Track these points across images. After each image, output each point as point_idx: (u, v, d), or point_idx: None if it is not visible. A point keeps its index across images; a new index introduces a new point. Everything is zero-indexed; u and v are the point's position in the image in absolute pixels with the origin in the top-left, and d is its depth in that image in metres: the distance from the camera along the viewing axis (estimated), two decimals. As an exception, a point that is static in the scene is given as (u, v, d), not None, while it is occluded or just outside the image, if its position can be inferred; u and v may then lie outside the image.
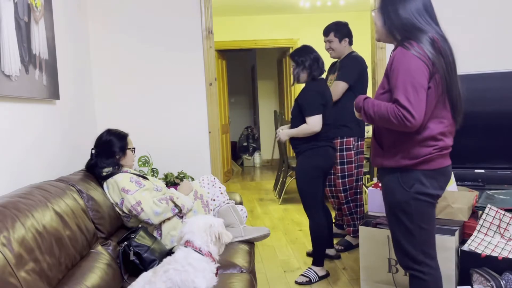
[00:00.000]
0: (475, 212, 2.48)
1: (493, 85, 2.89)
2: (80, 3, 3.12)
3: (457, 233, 2.33)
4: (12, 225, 1.44)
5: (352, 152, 3.42)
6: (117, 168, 2.43)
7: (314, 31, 5.94)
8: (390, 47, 3.29)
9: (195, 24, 3.37)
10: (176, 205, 2.38)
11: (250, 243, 2.56)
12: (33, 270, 1.43)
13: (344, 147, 3.39)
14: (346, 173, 3.46)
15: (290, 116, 3.07)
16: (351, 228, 3.58)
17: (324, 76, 3.03)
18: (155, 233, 2.38)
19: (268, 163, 8.61)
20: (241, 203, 3.02)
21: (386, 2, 1.81)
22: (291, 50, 6.77)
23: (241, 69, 9.16)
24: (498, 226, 2.25)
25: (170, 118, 3.43)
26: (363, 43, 4.78)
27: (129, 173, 2.41)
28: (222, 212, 2.63)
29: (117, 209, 2.36)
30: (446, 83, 1.71)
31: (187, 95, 3.42)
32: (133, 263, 2.08)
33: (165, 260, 1.85)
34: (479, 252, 2.21)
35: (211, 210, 2.59)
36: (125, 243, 2.12)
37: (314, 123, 2.81)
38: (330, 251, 3.34)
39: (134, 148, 2.58)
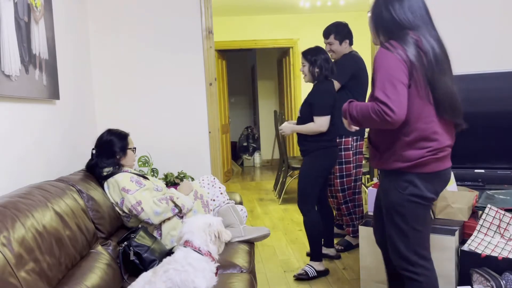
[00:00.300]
0: (475, 212, 2.48)
1: (493, 85, 2.89)
2: (80, 3, 3.12)
3: (457, 233, 2.33)
4: (12, 225, 1.44)
5: (351, 152, 3.43)
6: (118, 168, 2.43)
7: (314, 31, 5.94)
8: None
9: (195, 24, 3.37)
10: (176, 205, 2.38)
11: (250, 243, 2.56)
12: (33, 270, 1.43)
13: (343, 147, 3.39)
14: (344, 173, 3.47)
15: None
16: (351, 228, 3.58)
17: None
18: (155, 233, 2.38)
19: (268, 163, 8.61)
20: (241, 203, 3.02)
21: (374, 5, 1.85)
22: (291, 50, 6.78)
23: (241, 69, 9.16)
24: (498, 226, 2.25)
25: (170, 118, 3.43)
26: (363, 43, 4.79)
27: (130, 173, 2.41)
28: (222, 212, 2.63)
29: (117, 209, 2.36)
30: (429, 82, 1.71)
31: (187, 95, 3.42)
32: (133, 263, 2.08)
33: (164, 260, 1.85)
34: (479, 252, 2.21)
35: (211, 210, 2.60)
36: (125, 243, 2.12)
37: (321, 123, 2.88)
38: (330, 251, 3.35)
39: (135, 148, 2.58)
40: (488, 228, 2.28)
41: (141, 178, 2.42)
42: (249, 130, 8.79)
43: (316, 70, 2.97)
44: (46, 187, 1.88)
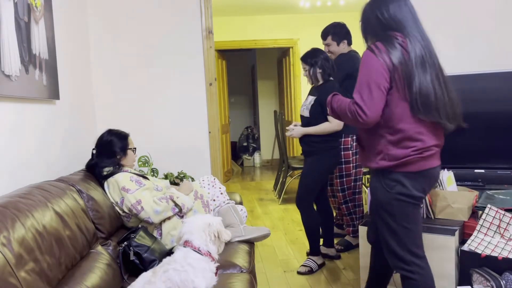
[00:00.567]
0: (475, 212, 2.48)
1: (493, 85, 2.89)
2: (80, 3, 3.12)
3: (457, 233, 2.33)
4: (12, 225, 1.44)
5: (350, 152, 3.43)
6: (118, 168, 2.43)
7: (314, 31, 5.92)
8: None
9: (195, 24, 3.37)
10: (176, 205, 2.38)
11: (250, 243, 2.56)
12: (33, 270, 1.43)
13: (342, 146, 3.40)
14: (344, 173, 3.47)
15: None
16: (351, 228, 3.58)
17: None
18: (155, 233, 2.38)
19: (268, 163, 8.60)
20: (241, 203, 3.02)
21: (362, 11, 1.93)
22: (291, 50, 6.78)
23: (241, 69, 9.16)
24: (498, 226, 2.25)
25: (170, 118, 3.42)
26: (363, 43, 4.78)
27: (130, 172, 2.41)
28: (222, 212, 2.63)
29: (117, 208, 2.36)
30: (413, 84, 1.73)
31: (187, 95, 3.42)
32: (133, 263, 2.08)
33: (164, 260, 1.85)
34: (479, 252, 2.21)
35: (211, 210, 2.60)
36: (125, 243, 2.12)
37: (338, 122, 2.93)
38: (330, 251, 3.35)
39: (135, 148, 2.59)
40: (488, 228, 2.28)
41: (141, 178, 2.42)
42: (249, 130, 8.79)
43: (319, 71, 3.01)
44: (46, 187, 1.88)
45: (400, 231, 1.86)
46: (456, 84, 2.99)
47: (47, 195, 1.80)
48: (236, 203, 2.90)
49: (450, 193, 2.55)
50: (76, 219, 1.88)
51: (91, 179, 2.33)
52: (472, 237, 2.30)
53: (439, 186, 2.68)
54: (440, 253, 2.30)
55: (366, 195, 4.09)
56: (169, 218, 2.39)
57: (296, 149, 6.95)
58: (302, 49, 6.55)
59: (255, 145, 8.70)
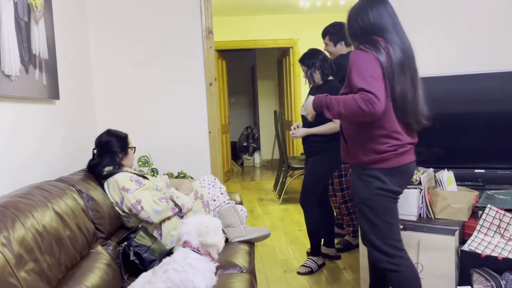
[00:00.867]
0: (475, 212, 2.48)
1: (493, 85, 2.89)
2: (80, 3, 3.12)
3: (457, 233, 2.33)
4: (12, 225, 1.44)
5: None
6: (118, 167, 2.43)
7: (314, 31, 5.92)
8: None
9: (195, 24, 3.37)
10: (176, 204, 2.38)
11: (250, 243, 2.56)
12: (33, 270, 1.43)
13: None
14: (343, 173, 3.47)
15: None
16: (351, 228, 3.58)
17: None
18: (155, 233, 2.38)
19: (268, 163, 8.60)
20: (241, 203, 3.02)
21: (347, 18, 2.02)
22: (291, 50, 6.77)
23: (241, 69, 9.15)
24: (498, 226, 2.25)
25: (170, 118, 3.42)
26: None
27: (129, 172, 2.41)
28: (222, 212, 2.63)
29: (117, 208, 2.36)
30: (394, 88, 1.83)
31: (187, 95, 3.42)
32: (133, 263, 2.08)
33: (164, 260, 1.85)
34: (479, 252, 2.21)
35: (211, 210, 2.59)
36: (125, 243, 2.12)
37: None
38: (330, 251, 3.35)
39: (134, 148, 2.59)
40: (488, 228, 2.28)
41: (141, 177, 2.42)
42: (249, 130, 8.79)
43: (317, 72, 3.01)
44: (46, 187, 1.88)
45: (381, 225, 1.94)
46: (456, 84, 3.01)
47: (47, 195, 1.80)
48: (236, 203, 2.90)
49: (450, 193, 2.55)
50: (76, 219, 1.88)
51: (91, 179, 2.33)
52: (472, 237, 2.30)
53: (439, 186, 2.68)
54: (440, 253, 2.30)
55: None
56: (169, 218, 2.39)
57: (296, 149, 6.95)
58: (302, 49, 6.55)
59: (255, 145, 8.70)
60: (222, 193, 2.72)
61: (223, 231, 1.98)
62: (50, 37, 2.40)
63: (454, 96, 3.00)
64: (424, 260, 2.36)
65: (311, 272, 3.10)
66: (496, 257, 2.14)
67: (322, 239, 3.31)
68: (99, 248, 2.03)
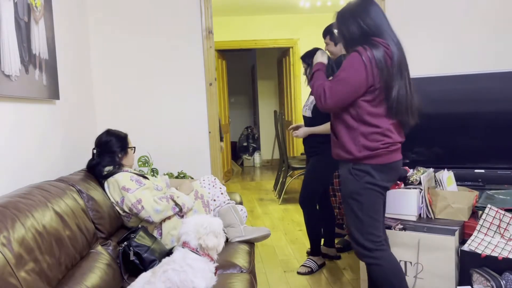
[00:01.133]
0: (475, 212, 2.48)
1: (493, 85, 2.89)
2: (80, 3, 3.12)
3: (457, 233, 2.33)
4: (12, 225, 1.44)
5: None
6: (118, 167, 2.43)
7: (314, 31, 5.93)
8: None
9: (195, 24, 3.37)
10: (176, 204, 2.38)
11: (250, 243, 2.56)
12: (33, 270, 1.43)
13: None
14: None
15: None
16: (351, 228, 3.58)
17: None
18: (155, 233, 2.38)
19: (268, 163, 8.60)
20: (241, 203, 3.02)
21: (340, 21, 2.03)
22: (291, 50, 6.77)
23: (241, 69, 9.15)
24: (498, 226, 2.25)
25: (170, 118, 3.42)
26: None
27: (130, 172, 2.41)
28: (222, 212, 2.63)
29: (117, 208, 2.36)
30: (388, 85, 1.90)
31: (187, 95, 3.42)
32: (133, 263, 2.08)
33: (164, 260, 1.85)
34: (479, 252, 2.21)
35: (211, 210, 2.60)
36: (125, 243, 2.12)
37: None
38: (330, 251, 3.35)
39: (134, 147, 2.59)
40: (488, 228, 2.28)
41: (141, 177, 2.42)
42: (249, 130, 8.79)
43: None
44: (46, 187, 1.88)
45: (366, 220, 2.00)
46: (456, 84, 3.01)
47: (47, 195, 1.80)
48: (236, 203, 2.90)
49: (450, 193, 2.55)
50: (76, 219, 1.88)
51: (91, 179, 2.33)
52: (472, 237, 2.30)
53: (439, 186, 2.68)
54: (440, 253, 2.30)
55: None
56: (169, 218, 2.39)
57: (296, 149, 6.94)
58: (302, 49, 6.55)
59: (255, 145, 8.70)
60: (222, 193, 2.72)
61: (223, 231, 1.98)
62: (50, 37, 2.40)
63: (454, 96, 3.00)
64: (424, 260, 2.36)
65: (311, 272, 3.11)
66: (496, 257, 2.14)
67: (322, 239, 3.31)
68: (99, 248, 2.03)
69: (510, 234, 2.22)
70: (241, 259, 2.26)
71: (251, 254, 2.41)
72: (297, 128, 3.15)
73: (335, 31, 2.11)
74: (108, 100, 3.35)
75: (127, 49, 3.35)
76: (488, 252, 2.19)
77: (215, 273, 1.86)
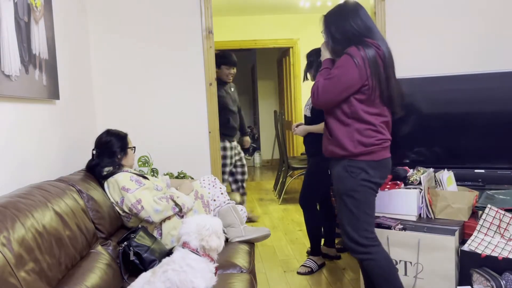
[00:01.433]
0: (475, 212, 2.48)
1: (493, 85, 2.89)
2: (80, 3, 3.12)
3: (457, 233, 2.33)
4: (12, 225, 1.44)
5: None
6: (118, 167, 2.43)
7: (314, 31, 5.91)
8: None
9: (195, 24, 3.37)
10: (176, 204, 2.38)
11: (250, 243, 2.56)
12: (33, 270, 1.43)
13: None
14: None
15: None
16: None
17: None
18: (155, 233, 2.38)
19: (268, 163, 8.60)
20: (241, 203, 3.02)
21: (330, 22, 2.09)
22: (291, 50, 6.77)
23: (241, 69, 9.13)
24: (498, 226, 2.25)
25: (170, 118, 3.42)
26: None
27: (129, 172, 2.41)
28: (222, 212, 2.63)
29: (117, 208, 2.36)
30: (381, 84, 1.97)
31: (187, 95, 3.42)
32: (133, 263, 2.08)
33: (163, 260, 1.85)
34: (479, 252, 2.21)
35: (211, 210, 2.60)
36: (125, 243, 2.12)
37: None
38: (330, 251, 3.35)
39: (134, 147, 2.59)
40: (488, 228, 2.28)
41: (141, 177, 2.42)
42: (249, 130, 8.79)
43: (312, 72, 3.02)
44: (46, 187, 1.87)
45: (361, 217, 2.04)
46: (457, 84, 3.01)
47: (47, 195, 1.80)
48: (236, 203, 2.90)
49: (450, 193, 2.55)
50: (76, 219, 1.88)
51: (91, 179, 2.33)
52: (472, 237, 2.30)
53: (439, 186, 2.68)
54: (440, 253, 2.30)
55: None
56: (169, 218, 2.39)
57: (296, 149, 6.95)
58: (302, 49, 6.55)
59: (255, 145, 8.69)
60: (222, 193, 2.72)
61: (223, 231, 1.98)
62: (50, 37, 2.40)
63: (454, 96, 3.00)
64: (424, 260, 2.36)
65: (311, 272, 3.11)
66: (496, 257, 2.14)
67: (322, 239, 3.32)
68: (99, 248, 2.03)
69: (510, 234, 2.22)
70: (241, 259, 2.26)
71: (251, 254, 2.41)
72: (298, 126, 3.16)
73: (322, 33, 2.13)
74: (108, 100, 3.35)
75: (127, 49, 3.35)
76: (488, 252, 2.19)
77: (215, 273, 1.86)
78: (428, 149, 3.06)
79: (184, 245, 1.85)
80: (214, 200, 2.68)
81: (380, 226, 2.50)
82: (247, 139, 4.74)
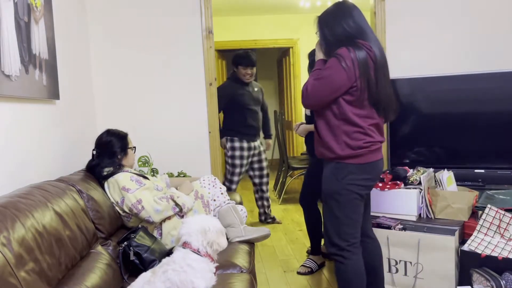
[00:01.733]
0: (475, 212, 2.48)
1: (493, 85, 2.89)
2: (80, 3, 3.12)
3: (457, 233, 2.33)
4: (12, 225, 1.44)
5: None
6: (118, 168, 2.43)
7: (314, 31, 5.92)
8: (388, 48, 3.30)
9: (195, 24, 3.37)
10: (176, 204, 2.38)
11: (250, 243, 2.56)
12: (33, 270, 1.43)
13: None
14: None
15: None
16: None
17: None
18: (155, 233, 2.38)
19: (268, 163, 8.59)
20: (241, 203, 3.02)
21: (323, 24, 2.08)
22: (291, 50, 6.77)
23: (241, 69, 9.13)
24: (498, 226, 2.25)
25: (170, 118, 3.42)
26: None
27: (130, 172, 2.41)
28: (222, 212, 2.63)
29: (117, 208, 2.36)
30: (371, 86, 1.93)
31: (187, 95, 3.42)
32: (133, 263, 2.08)
33: (163, 260, 1.85)
34: (479, 252, 2.21)
35: (211, 210, 2.60)
36: (125, 243, 2.12)
37: None
38: (330, 251, 3.36)
39: (135, 147, 2.59)
40: (488, 228, 2.28)
41: (141, 177, 2.42)
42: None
43: (311, 70, 3.02)
44: (46, 187, 1.88)
45: (343, 220, 2.01)
46: (457, 84, 3.01)
47: (47, 195, 1.80)
48: (236, 203, 2.90)
49: (450, 193, 2.55)
50: (76, 219, 1.88)
51: (91, 179, 2.33)
52: (472, 237, 2.30)
53: (439, 186, 2.68)
54: (440, 253, 2.30)
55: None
56: (169, 218, 2.39)
57: (296, 149, 6.94)
58: (302, 49, 6.55)
59: (255, 145, 8.69)
60: (222, 193, 2.72)
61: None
62: (50, 37, 2.40)
63: (454, 96, 3.00)
64: (424, 260, 2.36)
65: (311, 272, 3.11)
66: (496, 257, 2.14)
67: (322, 239, 3.32)
68: (99, 248, 2.03)
69: (510, 234, 2.22)
70: (241, 259, 2.26)
71: (251, 254, 2.41)
72: (300, 125, 3.17)
73: (317, 34, 2.12)
74: (108, 100, 3.35)
75: (127, 49, 3.35)
76: (488, 252, 2.19)
77: (215, 273, 1.86)
78: (428, 149, 3.07)
79: (185, 245, 1.85)
80: (214, 200, 2.68)
81: (380, 226, 2.51)
82: (269, 142, 4.64)
